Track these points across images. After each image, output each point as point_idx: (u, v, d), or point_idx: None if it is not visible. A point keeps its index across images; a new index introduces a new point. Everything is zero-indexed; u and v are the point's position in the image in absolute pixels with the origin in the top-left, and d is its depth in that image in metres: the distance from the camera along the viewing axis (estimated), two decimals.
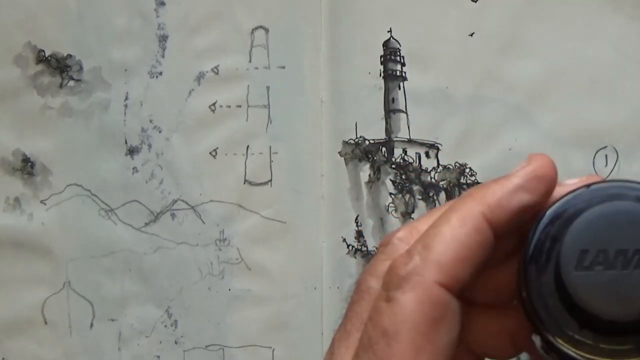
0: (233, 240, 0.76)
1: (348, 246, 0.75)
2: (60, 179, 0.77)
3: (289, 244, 0.75)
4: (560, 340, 0.32)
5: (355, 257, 0.74)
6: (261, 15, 0.76)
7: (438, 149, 0.75)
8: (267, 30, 0.76)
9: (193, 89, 0.77)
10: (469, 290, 0.34)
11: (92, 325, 0.77)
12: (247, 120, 0.76)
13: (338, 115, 0.75)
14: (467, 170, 0.74)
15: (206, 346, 0.76)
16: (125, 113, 0.77)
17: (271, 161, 0.76)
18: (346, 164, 0.75)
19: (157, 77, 0.77)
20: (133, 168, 0.77)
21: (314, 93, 0.75)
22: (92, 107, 0.77)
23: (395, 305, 0.32)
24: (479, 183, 0.74)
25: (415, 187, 0.75)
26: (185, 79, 0.77)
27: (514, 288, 0.34)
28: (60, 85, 0.78)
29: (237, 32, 0.76)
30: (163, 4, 0.77)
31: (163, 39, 0.77)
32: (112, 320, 0.77)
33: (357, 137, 0.75)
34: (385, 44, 0.75)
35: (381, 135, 0.75)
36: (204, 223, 0.76)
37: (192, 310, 0.76)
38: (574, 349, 0.32)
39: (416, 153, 0.75)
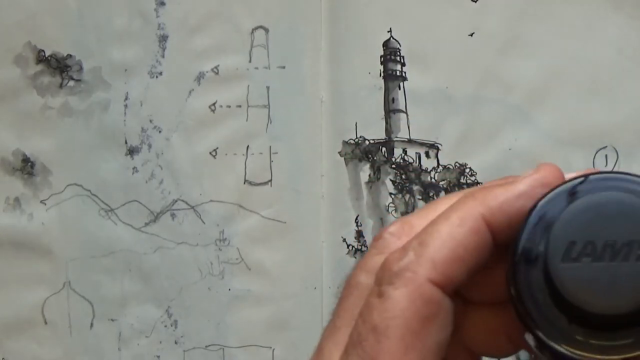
0: (233, 240, 0.76)
1: (348, 246, 0.75)
2: (60, 179, 0.77)
3: (289, 244, 0.75)
4: (550, 337, 0.31)
5: (355, 257, 0.74)
6: (261, 15, 0.76)
7: (438, 149, 0.75)
8: (267, 30, 0.76)
9: (193, 89, 0.77)
10: (465, 289, 0.34)
11: (92, 325, 0.77)
12: (247, 120, 0.76)
13: (338, 115, 0.75)
14: (467, 170, 0.74)
15: (206, 346, 0.76)
16: (125, 113, 0.77)
17: (271, 161, 0.76)
18: (346, 164, 0.75)
19: (157, 77, 0.77)
20: (133, 168, 0.77)
21: (314, 93, 0.75)
22: (92, 107, 0.77)
23: (386, 301, 0.32)
24: (479, 183, 0.74)
25: (415, 187, 0.75)
26: (185, 79, 0.77)
27: (505, 286, 0.33)
28: (60, 85, 0.78)
29: (237, 32, 0.76)
30: (163, 4, 0.77)
31: (163, 39, 0.77)
32: (112, 320, 0.77)
33: (357, 137, 0.75)
34: (385, 44, 0.75)
35: (381, 135, 0.75)
36: (204, 223, 0.76)
37: (192, 310, 0.76)
38: (564, 346, 0.31)
39: (416, 153, 0.75)
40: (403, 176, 0.75)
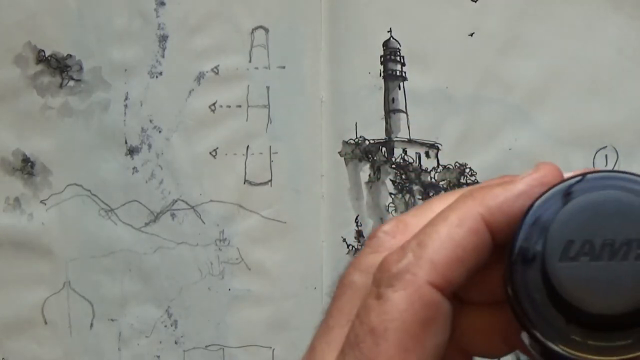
0: (233, 240, 0.76)
1: (348, 246, 0.75)
2: (60, 179, 0.77)
3: (289, 244, 0.75)
4: (547, 338, 0.31)
5: None
6: (261, 15, 0.76)
7: (438, 149, 0.74)
8: (267, 30, 0.76)
9: (193, 89, 0.77)
10: (462, 289, 0.33)
11: (92, 325, 0.77)
12: (247, 120, 0.76)
13: (338, 115, 0.75)
14: (467, 170, 0.74)
15: (206, 346, 0.76)
16: (125, 113, 0.77)
17: (271, 161, 0.76)
18: (346, 164, 0.75)
19: (157, 77, 0.77)
20: (133, 168, 0.77)
21: (314, 93, 0.75)
22: (92, 107, 0.77)
23: (385, 303, 0.31)
24: (478, 183, 0.74)
25: (415, 187, 0.75)
26: (185, 79, 0.77)
27: (502, 286, 0.33)
28: (60, 85, 0.78)
29: (237, 32, 0.76)
30: (163, 4, 0.77)
31: (163, 39, 0.77)
32: (112, 320, 0.77)
33: (357, 137, 0.75)
34: (385, 44, 0.75)
35: (381, 135, 0.75)
36: (204, 223, 0.76)
37: (192, 310, 0.76)
38: (561, 346, 0.31)
39: (416, 153, 0.75)
40: (403, 176, 0.75)
